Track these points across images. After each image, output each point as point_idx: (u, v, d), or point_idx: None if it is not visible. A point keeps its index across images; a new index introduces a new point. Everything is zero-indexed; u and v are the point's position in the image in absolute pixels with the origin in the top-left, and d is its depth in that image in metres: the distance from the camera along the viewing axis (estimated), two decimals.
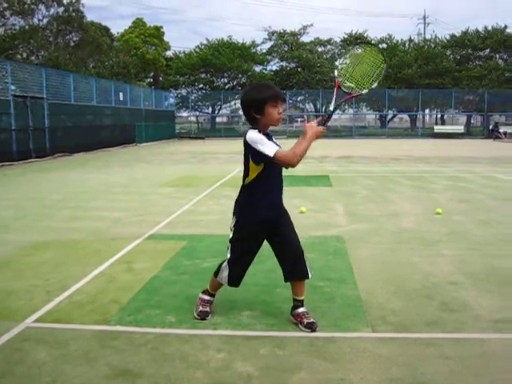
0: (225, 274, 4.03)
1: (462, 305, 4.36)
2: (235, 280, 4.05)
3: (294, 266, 3.96)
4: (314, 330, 3.81)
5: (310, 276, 4.00)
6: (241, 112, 51.91)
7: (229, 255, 4.00)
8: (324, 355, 3.43)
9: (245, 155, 3.80)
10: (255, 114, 3.71)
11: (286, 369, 3.26)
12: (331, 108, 4.01)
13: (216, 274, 4.13)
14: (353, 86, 4.14)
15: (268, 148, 3.59)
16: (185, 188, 11.71)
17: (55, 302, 4.51)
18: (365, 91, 4.10)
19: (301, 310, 3.98)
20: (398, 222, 7.91)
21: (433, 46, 52.06)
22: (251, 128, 3.74)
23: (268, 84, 3.93)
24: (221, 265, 4.09)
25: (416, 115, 51.53)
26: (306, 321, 3.88)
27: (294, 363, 3.33)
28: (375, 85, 4.09)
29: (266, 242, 4.01)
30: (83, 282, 5.05)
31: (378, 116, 56.52)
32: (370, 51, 4.24)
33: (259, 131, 3.71)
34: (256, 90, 3.82)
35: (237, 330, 3.88)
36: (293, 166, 3.63)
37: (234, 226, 3.96)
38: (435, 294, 4.61)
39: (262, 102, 3.67)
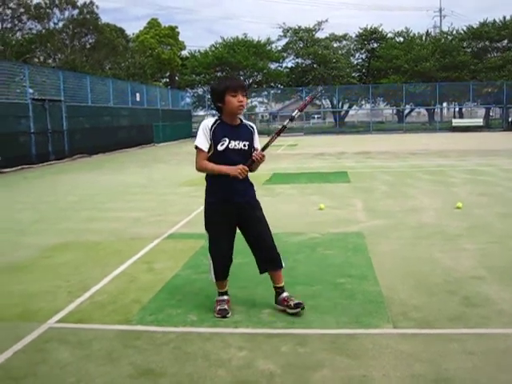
0: (210, 268, 4.19)
1: (485, 299, 4.31)
2: (220, 272, 4.18)
3: (265, 256, 4.14)
4: (302, 308, 3.99)
5: (283, 265, 4.19)
6: (257, 110, 52.19)
7: (208, 244, 4.20)
8: (346, 352, 3.42)
9: None
10: (218, 102, 4.00)
11: (307, 366, 3.25)
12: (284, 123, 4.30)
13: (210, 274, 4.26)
14: None
15: (196, 141, 4.01)
16: (203, 187, 11.67)
17: (77, 302, 4.55)
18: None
19: (284, 294, 4.16)
20: (417, 216, 7.85)
21: (450, 38, 51.55)
22: (211, 116, 4.07)
23: (230, 76, 4.40)
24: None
25: (434, 109, 51.10)
26: (291, 302, 4.05)
27: (316, 360, 3.32)
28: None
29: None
30: (104, 283, 5.08)
31: (395, 111, 56.18)
32: None
33: (216, 121, 4.02)
34: (219, 81, 4.20)
35: (258, 327, 3.87)
36: (195, 168, 4.10)
37: (204, 211, 4.17)
38: (457, 289, 4.57)
39: (222, 92, 3.94)
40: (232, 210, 4.04)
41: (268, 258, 4.14)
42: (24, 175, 16.72)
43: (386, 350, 3.43)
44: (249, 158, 3.99)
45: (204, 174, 4.13)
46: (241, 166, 3.92)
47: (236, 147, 3.97)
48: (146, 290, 4.80)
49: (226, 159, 3.95)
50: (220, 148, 3.94)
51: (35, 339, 3.78)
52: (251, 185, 4.19)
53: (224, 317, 4.07)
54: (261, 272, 4.22)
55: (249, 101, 52.78)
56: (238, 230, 4.18)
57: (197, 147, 3.98)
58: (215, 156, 3.96)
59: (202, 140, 3.97)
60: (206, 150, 3.97)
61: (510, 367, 3.18)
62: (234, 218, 4.08)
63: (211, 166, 3.97)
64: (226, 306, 4.16)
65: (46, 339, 3.78)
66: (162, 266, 5.61)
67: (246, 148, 4.01)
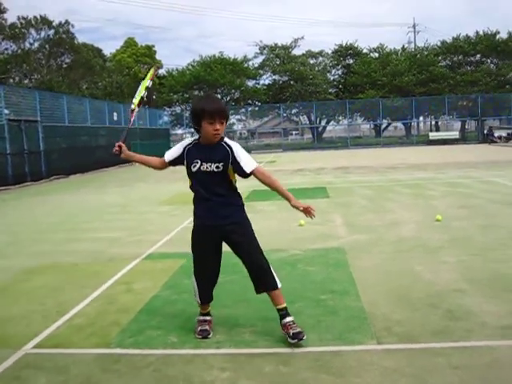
0: (195, 288, 4.10)
1: (468, 312, 4.29)
2: (204, 296, 4.09)
3: (258, 278, 3.97)
4: (300, 340, 3.72)
5: (279, 286, 3.94)
6: (235, 127, 52.20)
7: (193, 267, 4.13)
8: (330, 370, 3.36)
9: None
10: (195, 125, 3.86)
11: None
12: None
13: (195, 295, 4.16)
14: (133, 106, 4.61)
15: (168, 154, 4.09)
16: (182, 206, 11.61)
17: (54, 326, 4.43)
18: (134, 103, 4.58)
19: (287, 319, 3.90)
20: (398, 230, 7.86)
21: (425, 53, 52.32)
22: (191, 135, 4.00)
23: (209, 97, 4.01)
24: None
25: (410, 123, 51.66)
26: (291, 331, 3.78)
27: (300, 379, 3.26)
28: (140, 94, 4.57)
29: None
30: (82, 305, 4.97)
31: (372, 125, 56.64)
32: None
33: (194, 142, 3.93)
34: (197, 101, 4.05)
35: (240, 347, 3.80)
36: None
37: (191, 233, 4.10)
38: (440, 303, 4.55)
39: (199, 116, 3.76)
40: (215, 233, 3.92)
41: (261, 278, 3.95)
42: (1, 197, 16.47)
43: (371, 366, 3.39)
44: (223, 180, 3.88)
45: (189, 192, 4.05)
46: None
47: (208, 169, 3.81)
48: (125, 312, 4.70)
49: (198, 180, 3.89)
50: (193, 169, 3.86)
51: (10, 366, 3.66)
52: (238, 206, 4.02)
53: (205, 337, 3.99)
54: (257, 293, 4.05)
55: None
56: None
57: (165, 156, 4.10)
58: (190, 176, 3.94)
59: (173, 151, 4.03)
60: (167, 159, 4.08)
61: (495, 381, 3.15)
62: (219, 240, 3.97)
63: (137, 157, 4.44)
64: (207, 327, 4.07)
65: (22, 365, 3.67)
66: (142, 286, 5.51)
67: (221, 169, 3.81)
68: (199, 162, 3.83)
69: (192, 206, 4.08)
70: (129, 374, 3.46)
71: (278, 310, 3.95)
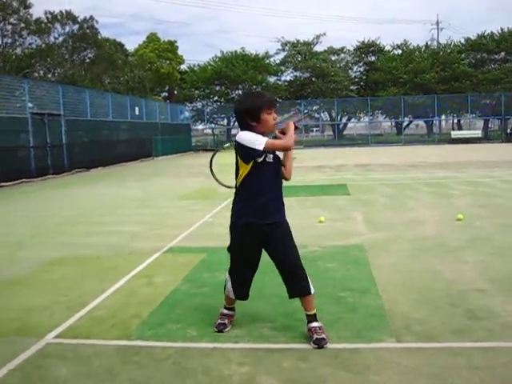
0: (229, 285, 4.05)
1: (489, 312, 4.26)
2: (240, 292, 4.03)
3: (292, 282, 3.91)
4: (320, 347, 3.68)
5: (312, 291, 3.90)
6: None
7: (229, 264, 4.03)
8: (349, 367, 3.36)
9: (235, 158, 3.85)
10: (251, 121, 3.77)
11: (310, 382, 3.20)
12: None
13: (224, 287, 4.14)
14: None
15: (259, 141, 3.67)
16: (202, 200, 11.68)
17: (75, 317, 4.49)
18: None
19: (314, 324, 3.86)
20: (418, 229, 7.81)
21: (448, 51, 51.83)
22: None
23: (261, 92, 4.12)
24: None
25: (432, 121, 51.24)
26: (315, 336, 3.75)
27: (319, 376, 3.26)
28: None
29: None
30: (103, 297, 5.03)
31: (393, 123, 56.31)
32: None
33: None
34: (251, 98, 3.98)
35: (259, 342, 3.82)
36: (289, 146, 3.84)
37: (229, 229, 3.99)
38: (460, 302, 4.52)
39: (258, 110, 3.75)
40: (260, 234, 3.85)
41: (295, 283, 3.90)
42: (23, 189, 16.68)
43: (389, 364, 3.38)
44: (278, 173, 3.92)
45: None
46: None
47: (269, 160, 3.81)
48: (145, 305, 4.74)
49: (261, 172, 3.80)
50: (259, 160, 3.76)
51: (33, 355, 3.72)
52: (283, 204, 4.02)
53: (220, 331, 4.01)
54: (290, 297, 4.00)
55: None
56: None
57: (265, 144, 3.66)
58: (254, 168, 3.77)
59: (261, 138, 3.69)
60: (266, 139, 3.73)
61: None
62: (262, 242, 3.90)
63: (282, 139, 3.84)
64: (226, 321, 4.10)
65: (43, 355, 3.73)
66: (162, 280, 5.55)
67: (276, 161, 3.87)
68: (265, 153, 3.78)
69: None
70: (149, 365, 3.49)
71: (307, 316, 3.93)
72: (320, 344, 3.70)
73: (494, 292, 4.77)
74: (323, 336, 3.75)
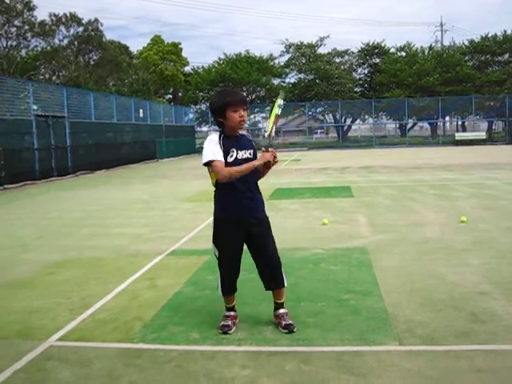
0: (218, 281, 4.21)
1: (492, 315, 4.24)
2: (226, 286, 4.19)
3: (270, 276, 4.14)
4: (290, 331, 3.95)
5: (285, 284, 4.18)
6: (261, 125, 52.26)
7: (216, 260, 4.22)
8: (351, 370, 3.35)
9: None
10: (219, 117, 3.97)
11: None
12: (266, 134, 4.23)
13: (217, 288, 4.28)
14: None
15: (204, 156, 3.87)
16: (206, 202, 11.64)
17: (78, 320, 4.50)
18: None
19: (281, 311, 4.16)
20: (422, 231, 7.79)
21: (452, 53, 51.77)
22: (214, 131, 4.05)
23: (230, 90, 4.38)
24: None
25: (436, 123, 51.14)
26: (283, 322, 4.05)
27: (321, 379, 3.26)
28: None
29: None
30: (106, 300, 5.03)
31: (397, 125, 56.22)
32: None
33: (221, 135, 3.96)
34: (219, 95, 4.15)
35: (261, 345, 3.82)
36: (220, 178, 3.87)
37: (213, 226, 4.16)
38: (463, 305, 4.51)
39: (224, 107, 3.91)
40: (242, 228, 4.01)
41: (272, 276, 4.12)
42: (27, 191, 16.72)
43: (392, 367, 3.37)
44: (255, 172, 4.01)
45: (212, 189, 4.07)
46: (268, 152, 3.91)
47: (243, 157, 3.96)
48: (148, 308, 4.75)
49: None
50: (230, 160, 3.89)
51: (36, 358, 3.73)
52: (262, 201, 4.16)
53: (225, 333, 4.03)
54: (266, 289, 4.22)
55: (252, 116, 52.96)
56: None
57: (211, 161, 3.83)
58: (230, 165, 3.89)
59: (216, 150, 3.86)
60: (223, 158, 3.86)
61: None
62: (243, 235, 4.04)
63: (235, 168, 3.84)
64: (229, 322, 4.12)
65: (46, 357, 3.73)
66: (165, 282, 5.56)
67: (252, 156, 4.02)
68: (235, 150, 3.94)
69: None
70: (151, 368, 3.49)
71: (276, 303, 4.19)
72: (289, 329, 3.98)
73: (497, 295, 4.76)
74: (290, 322, 4.04)
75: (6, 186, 17.70)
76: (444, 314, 4.32)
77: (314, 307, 4.47)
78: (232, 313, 4.22)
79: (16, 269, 6.44)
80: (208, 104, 54.51)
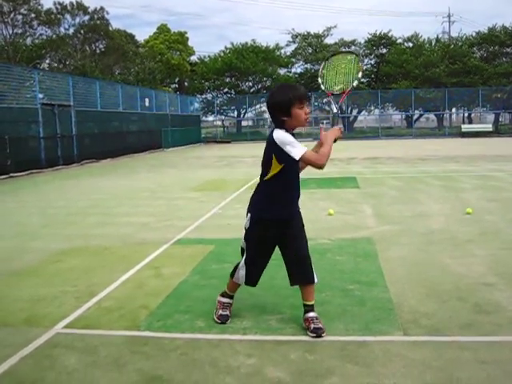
0: (241, 273, 4.01)
1: (497, 306, 4.25)
2: (252, 279, 4.03)
3: (299, 269, 3.92)
4: (319, 336, 3.72)
5: (316, 280, 3.94)
6: (266, 115, 52.09)
7: (245, 254, 3.99)
8: (356, 359, 3.37)
9: (266, 153, 3.79)
10: (282, 116, 3.68)
11: (317, 374, 3.21)
12: (335, 110, 4.15)
13: (232, 274, 4.12)
14: (342, 86, 4.17)
15: (297, 150, 3.59)
16: (212, 192, 11.71)
17: (84, 307, 4.53)
18: (355, 83, 4.12)
19: (311, 314, 3.89)
20: (427, 222, 7.79)
21: (459, 44, 51.45)
22: (277, 128, 3.72)
23: (293, 85, 3.94)
24: (237, 265, 4.08)
25: (443, 114, 50.93)
26: (312, 326, 3.78)
27: (326, 368, 3.27)
28: (360, 74, 4.10)
29: None
30: (112, 288, 5.06)
31: (404, 116, 56.02)
32: (338, 59, 4.30)
33: (286, 131, 3.69)
34: (281, 92, 3.77)
35: (266, 334, 3.83)
36: (321, 165, 3.65)
37: (249, 223, 3.93)
38: (468, 296, 4.51)
39: (289, 104, 3.64)
40: (280, 230, 3.86)
41: (302, 271, 3.92)
42: (33, 180, 16.77)
43: (397, 357, 3.38)
44: (299, 171, 3.91)
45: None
46: (337, 128, 3.85)
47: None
48: (153, 296, 4.77)
49: (290, 171, 3.79)
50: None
51: (42, 345, 3.76)
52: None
53: (223, 323, 4.03)
54: (291, 284, 4.00)
55: (258, 106, 52.86)
56: None
57: (303, 155, 3.59)
58: (285, 167, 3.72)
59: (299, 145, 3.63)
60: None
61: None
62: (280, 236, 3.89)
63: (324, 152, 3.65)
64: (227, 312, 4.12)
65: (53, 344, 3.76)
66: (170, 271, 5.58)
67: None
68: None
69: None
70: (157, 356, 3.52)
71: (305, 306, 3.95)
72: (318, 333, 3.73)
73: (502, 286, 4.76)
74: (320, 325, 3.79)
75: (12, 175, 17.75)
76: (449, 304, 4.33)
77: (320, 297, 4.48)
78: (231, 300, 4.20)
79: (23, 257, 6.48)
80: (216, 94, 54.50)
